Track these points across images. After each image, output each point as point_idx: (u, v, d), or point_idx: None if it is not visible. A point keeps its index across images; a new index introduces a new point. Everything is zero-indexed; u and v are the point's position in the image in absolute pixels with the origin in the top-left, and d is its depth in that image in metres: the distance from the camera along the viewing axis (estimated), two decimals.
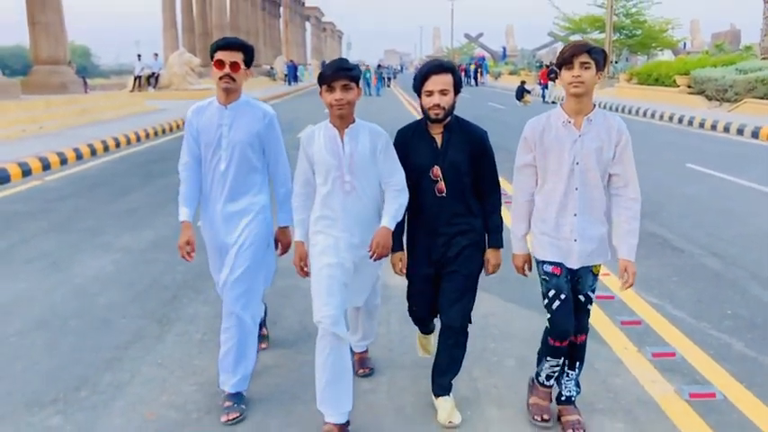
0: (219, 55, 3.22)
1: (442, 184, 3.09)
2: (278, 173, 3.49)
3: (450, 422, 3.15)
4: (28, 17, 18.36)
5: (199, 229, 3.47)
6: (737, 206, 8.05)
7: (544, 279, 3.03)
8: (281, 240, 3.54)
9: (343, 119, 3.06)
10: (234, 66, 3.23)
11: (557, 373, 3.17)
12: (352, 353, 3.62)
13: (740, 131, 15.73)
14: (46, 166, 10.84)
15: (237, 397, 3.32)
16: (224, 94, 3.31)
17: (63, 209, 8.03)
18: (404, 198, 3.12)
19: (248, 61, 3.32)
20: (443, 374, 3.25)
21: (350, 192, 3.08)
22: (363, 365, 3.69)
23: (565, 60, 2.85)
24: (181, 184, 3.44)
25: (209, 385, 3.56)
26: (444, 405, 3.21)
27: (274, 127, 3.43)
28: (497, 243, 3.19)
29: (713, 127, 16.93)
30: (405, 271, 3.23)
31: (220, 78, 3.24)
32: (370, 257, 3.04)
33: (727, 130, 16.31)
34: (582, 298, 3.06)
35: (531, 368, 3.73)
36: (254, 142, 3.36)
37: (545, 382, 3.21)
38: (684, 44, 55.58)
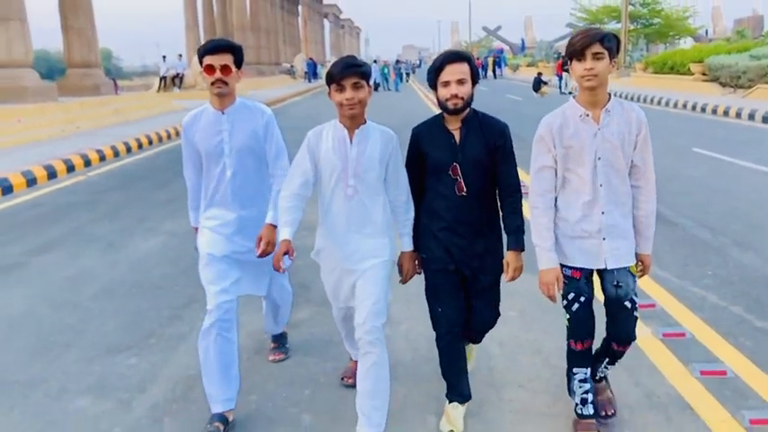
0: (208, 60, 3.13)
1: (462, 183, 2.95)
2: (277, 173, 3.34)
3: None
4: (61, 22, 19.30)
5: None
6: (734, 184, 8.59)
7: (563, 282, 2.87)
8: (266, 238, 3.18)
9: (354, 119, 2.93)
10: (225, 69, 3.14)
11: (590, 395, 2.96)
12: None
13: (751, 117, 16.11)
14: (87, 163, 11.64)
15: (282, 338, 3.98)
16: (218, 99, 3.22)
17: (109, 200, 8.80)
18: (411, 211, 3.09)
19: (238, 62, 3.22)
20: (470, 338, 3.37)
21: (352, 196, 2.96)
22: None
23: (575, 52, 2.65)
24: (188, 190, 3.48)
25: (256, 334, 4.22)
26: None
27: (273, 126, 3.36)
28: (518, 245, 2.97)
29: (725, 113, 17.30)
30: (412, 274, 3.16)
31: (212, 84, 3.16)
32: (400, 281, 3.12)
33: (738, 115, 16.68)
34: (628, 304, 2.85)
35: (531, 318, 4.38)
36: (256, 144, 3.30)
37: (583, 412, 2.97)
38: (706, 31, 55.35)
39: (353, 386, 3.48)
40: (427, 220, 3.08)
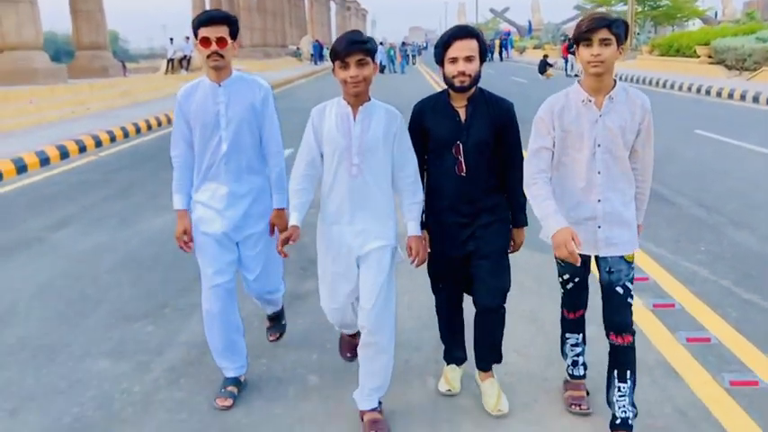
0: (203, 32, 3.03)
1: (462, 163, 2.92)
2: (271, 151, 3.29)
3: (499, 410, 3.11)
4: (71, 5, 19.54)
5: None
6: (734, 166, 8.74)
7: (559, 263, 2.95)
8: (278, 224, 3.22)
9: (358, 97, 2.86)
10: (220, 41, 3.05)
11: (581, 357, 3.15)
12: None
13: (755, 99, 16.16)
14: (98, 143, 11.86)
15: (278, 318, 3.98)
16: (214, 72, 3.14)
17: (121, 178, 9.03)
18: (420, 194, 3.02)
19: (234, 33, 3.12)
20: (483, 356, 3.23)
21: (356, 176, 2.88)
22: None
23: (582, 36, 2.59)
24: (174, 171, 3.33)
25: None
26: (490, 392, 3.19)
27: (269, 101, 3.28)
28: (522, 222, 3.09)
29: (730, 95, 17.36)
30: (423, 257, 3.03)
31: (208, 57, 3.07)
32: (412, 263, 3.03)
33: (743, 98, 16.74)
34: (620, 290, 2.81)
35: (528, 290, 4.58)
36: (253, 117, 3.23)
37: (573, 373, 3.17)
38: (716, 13, 54.94)
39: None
40: (431, 198, 3.07)
